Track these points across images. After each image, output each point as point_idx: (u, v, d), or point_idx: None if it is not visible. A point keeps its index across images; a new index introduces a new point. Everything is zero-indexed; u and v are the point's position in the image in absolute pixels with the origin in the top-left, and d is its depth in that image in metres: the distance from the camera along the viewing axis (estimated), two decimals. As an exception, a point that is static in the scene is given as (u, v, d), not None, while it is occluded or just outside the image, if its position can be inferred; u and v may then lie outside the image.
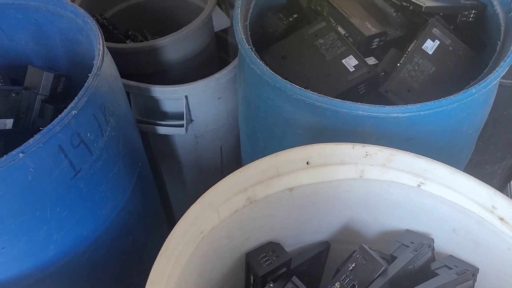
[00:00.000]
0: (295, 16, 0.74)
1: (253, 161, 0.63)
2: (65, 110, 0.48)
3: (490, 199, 0.43)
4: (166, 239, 0.39)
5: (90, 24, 0.58)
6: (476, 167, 1.00)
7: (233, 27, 0.59)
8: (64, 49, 0.68)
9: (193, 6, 0.95)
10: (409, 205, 0.49)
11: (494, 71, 0.51)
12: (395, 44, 0.67)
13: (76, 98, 0.49)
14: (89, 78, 0.51)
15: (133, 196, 0.67)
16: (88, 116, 0.51)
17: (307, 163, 0.48)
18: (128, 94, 0.75)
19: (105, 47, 0.56)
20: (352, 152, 0.47)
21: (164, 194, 0.98)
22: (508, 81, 0.80)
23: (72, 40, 0.66)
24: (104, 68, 0.55)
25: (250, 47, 0.56)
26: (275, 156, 0.47)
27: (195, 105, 0.77)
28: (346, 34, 0.66)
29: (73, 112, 0.48)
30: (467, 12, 0.66)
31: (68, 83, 0.65)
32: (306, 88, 0.58)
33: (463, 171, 0.71)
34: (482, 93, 0.52)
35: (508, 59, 0.52)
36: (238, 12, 0.61)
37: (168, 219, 0.97)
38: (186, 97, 0.75)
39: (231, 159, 0.94)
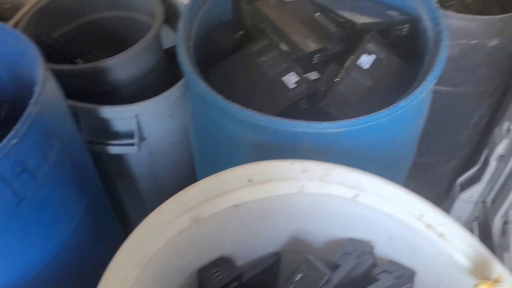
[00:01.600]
0: (241, 33, 0.76)
1: (206, 176, 0.64)
2: (5, 139, 0.48)
3: (418, 208, 0.45)
4: (108, 266, 0.40)
5: (31, 49, 0.58)
6: (424, 169, 1.04)
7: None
8: (8, 74, 0.68)
9: (144, 24, 0.95)
10: (349, 215, 0.52)
11: (421, 85, 0.55)
12: (336, 58, 0.70)
13: (16, 126, 0.49)
14: (29, 106, 0.51)
15: (85, 218, 0.67)
16: (30, 143, 0.51)
17: (250, 180, 0.49)
18: (77, 115, 0.75)
19: (47, 72, 0.56)
20: (292, 168, 0.49)
21: (122, 212, 0.98)
22: (445, 88, 0.85)
23: (15, 65, 0.66)
24: (47, 93, 0.55)
25: (192, 68, 0.58)
26: (217, 175, 0.48)
27: (147, 123, 0.78)
28: (289, 50, 0.68)
29: (13, 141, 0.48)
30: (400, 27, 0.69)
31: (12, 108, 0.64)
32: (249, 106, 0.60)
33: (406, 176, 0.75)
34: (412, 105, 0.55)
35: (434, 73, 0.56)
36: (181, 33, 0.62)
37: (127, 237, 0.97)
38: (136, 116, 0.75)
39: (188, 173, 0.94)
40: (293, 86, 0.61)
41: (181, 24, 0.63)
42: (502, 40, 0.75)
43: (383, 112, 0.52)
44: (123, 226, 0.92)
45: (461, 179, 1.06)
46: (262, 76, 0.64)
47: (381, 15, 0.71)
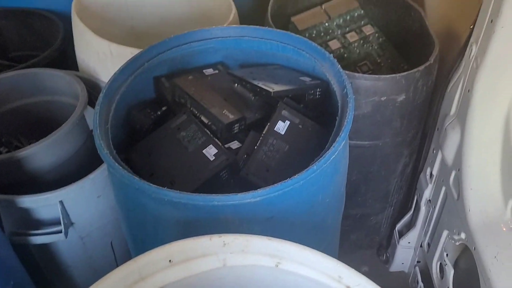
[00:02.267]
0: (163, 109, 0.78)
1: (137, 255, 0.63)
2: None
3: (335, 270, 0.46)
4: None
5: None
6: (362, 220, 1.07)
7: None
8: None
9: (70, 106, 0.95)
10: (275, 282, 0.52)
11: (332, 146, 0.58)
12: (256, 126, 0.73)
13: None
14: None
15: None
16: None
17: (170, 261, 0.49)
18: (-3, 207, 0.72)
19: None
20: (211, 244, 0.49)
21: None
22: (366, 142, 0.89)
23: None
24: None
25: (107, 152, 0.58)
26: (134, 261, 0.47)
27: (73, 208, 0.76)
28: (209, 123, 0.70)
29: None
30: (312, 91, 0.74)
31: None
32: (172, 181, 0.61)
33: (346, 227, 0.76)
34: (326, 166, 0.58)
35: (342, 134, 0.59)
36: (97, 117, 0.63)
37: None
38: (61, 202, 0.73)
39: (125, 251, 0.91)
40: (212, 159, 0.62)
41: (97, 108, 0.64)
42: (408, 94, 0.81)
43: (297, 177, 0.54)
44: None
45: (399, 225, 1.09)
46: (183, 151, 0.65)
47: (295, 81, 0.75)
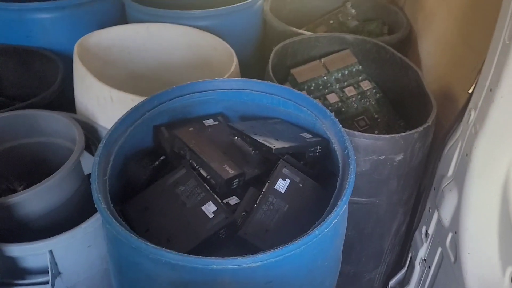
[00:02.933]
0: (162, 158, 0.77)
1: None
2: None
3: None
4: None
5: None
6: (355, 276, 1.05)
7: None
8: None
9: (66, 149, 0.94)
10: None
11: (334, 211, 0.57)
12: (255, 182, 0.72)
13: None
14: None
15: None
16: None
17: (165, 328, 0.47)
18: (-17, 255, 0.69)
19: None
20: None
21: None
22: (363, 199, 0.89)
23: None
24: None
25: (105, 206, 0.56)
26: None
27: (62, 258, 0.73)
28: (208, 177, 0.70)
29: None
30: (313, 149, 0.74)
31: None
32: (168, 239, 0.59)
33: (338, 284, 0.74)
34: (328, 229, 0.57)
35: (344, 198, 0.59)
36: (96, 168, 0.62)
37: None
38: (50, 251, 0.71)
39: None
40: (211, 216, 0.61)
41: (96, 159, 0.63)
42: (406, 155, 0.82)
43: (298, 241, 0.53)
44: None
45: (392, 282, 1.07)
46: (181, 207, 0.63)
47: (295, 138, 0.75)
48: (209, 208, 0.62)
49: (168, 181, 0.67)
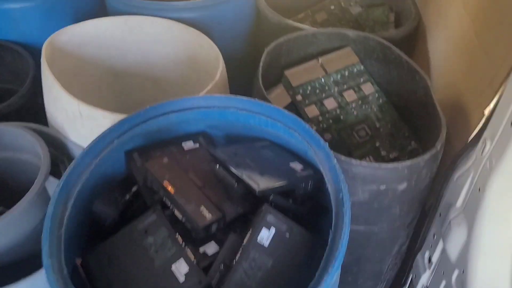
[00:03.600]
0: (134, 190, 0.69)
1: None
2: None
3: None
4: None
5: None
6: (351, 297, 0.98)
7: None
8: None
9: (33, 166, 0.85)
10: None
11: (322, 281, 0.49)
12: (238, 222, 0.64)
13: None
14: None
15: None
16: None
17: None
18: None
19: None
20: None
21: None
22: (361, 227, 0.80)
23: None
24: None
25: (56, 278, 0.48)
26: None
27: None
28: (183, 219, 0.61)
29: None
30: (303, 185, 0.65)
31: None
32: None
33: None
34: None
35: (336, 263, 0.50)
36: (49, 221, 0.53)
37: None
38: (8, 301, 0.63)
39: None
40: (182, 279, 0.53)
41: (50, 209, 0.54)
42: (410, 183, 0.73)
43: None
44: None
45: (391, 302, 1.01)
46: (149, 263, 0.55)
47: (284, 171, 0.66)
48: (180, 269, 0.54)
49: (136, 228, 0.59)
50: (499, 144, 0.62)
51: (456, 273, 0.74)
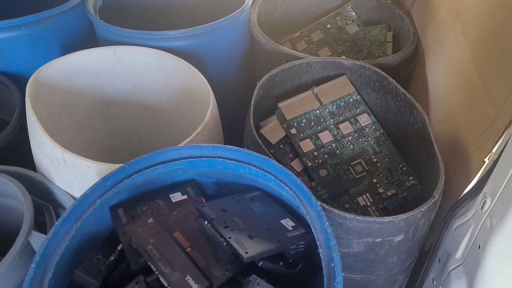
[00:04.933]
0: (119, 248, 0.66)
1: None
2: None
3: None
4: None
5: None
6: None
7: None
8: None
9: (19, 212, 0.83)
10: None
11: None
12: (227, 284, 0.61)
13: None
14: None
15: None
16: None
17: None
18: None
19: None
20: None
21: None
22: (357, 276, 0.77)
23: None
24: None
25: None
26: None
27: None
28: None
29: None
30: (294, 246, 0.62)
31: None
32: None
33: None
34: None
35: None
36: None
37: None
38: None
39: None
40: None
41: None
42: (407, 234, 0.70)
43: None
44: None
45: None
46: None
47: (274, 231, 0.63)
48: None
49: (119, 301, 0.56)
50: (500, 203, 0.58)
51: (456, 325, 0.71)
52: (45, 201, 0.81)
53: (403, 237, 0.70)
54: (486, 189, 0.63)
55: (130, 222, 0.64)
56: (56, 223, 0.59)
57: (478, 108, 0.78)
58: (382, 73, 0.94)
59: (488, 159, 0.68)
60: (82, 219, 0.62)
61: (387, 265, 0.75)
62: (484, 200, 0.62)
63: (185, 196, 0.71)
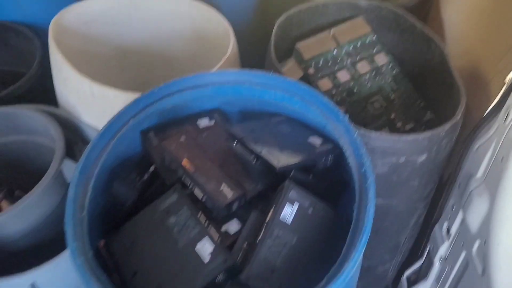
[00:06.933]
0: (151, 170, 0.68)
1: None
2: None
3: None
4: None
5: None
6: (368, 270, 0.99)
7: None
8: None
9: (48, 149, 0.84)
10: None
11: (350, 260, 0.48)
12: (258, 199, 0.63)
13: None
14: None
15: None
16: None
17: None
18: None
19: None
20: None
21: None
22: (379, 199, 0.79)
23: None
24: None
25: (82, 261, 0.48)
26: None
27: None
28: (204, 199, 0.60)
29: None
30: (323, 159, 0.64)
31: None
32: (158, 286, 0.51)
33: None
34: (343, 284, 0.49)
35: (362, 241, 0.50)
36: (71, 205, 0.53)
37: None
38: (32, 284, 0.64)
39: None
40: (208, 259, 0.53)
41: (71, 194, 0.54)
42: (430, 154, 0.72)
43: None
44: None
45: (408, 273, 1.01)
46: (172, 245, 0.55)
47: (303, 146, 0.65)
48: (205, 248, 0.53)
49: (158, 208, 0.58)
50: (524, 113, 0.60)
51: (477, 244, 0.73)
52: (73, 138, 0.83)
53: (425, 157, 0.72)
54: (509, 101, 0.64)
55: (162, 141, 0.66)
56: (94, 138, 0.60)
57: (495, 35, 0.79)
58: (399, 11, 0.95)
59: (509, 79, 0.70)
60: (117, 136, 0.63)
61: (408, 189, 0.77)
62: (507, 113, 0.64)
63: (213, 122, 0.73)
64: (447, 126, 0.69)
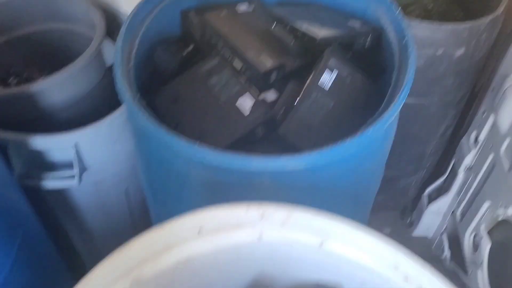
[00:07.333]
0: (190, 48, 0.69)
1: (157, 212, 0.57)
2: None
3: (392, 257, 0.40)
4: None
5: None
6: (391, 181, 1.00)
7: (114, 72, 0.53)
8: None
9: (84, 38, 0.86)
10: (314, 262, 0.46)
11: (389, 110, 0.49)
12: (295, 75, 0.64)
13: None
14: None
15: (18, 264, 0.58)
16: None
17: (199, 230, 0.43)
18: (5, 146, 0.66)
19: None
20: (248, 214, 0.43)
21: (71, 251, 0.88)
22: (410, 100, 0.80)
23: None
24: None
25: (131, 95, 0.50)
26: (161, 228, 0.41)
27: (88, 152, 0.69)
28: (243, 69, 0.62)
29: None
30: (363, 39, 0.64)
31: None
32: (200, 135, 0.54)
33: (374, 197, 0.70)
34: (382, 130, 0.50)
35: (402, 95, 0.51)
36: (119, 54, 0.55)
37: (77, 272, 0.88)
38: (75, 145, 0.67)
39: (140, 201, 0.86)
40: (249, 111, 0.54)
41: (119, 44, 0.56)
42: (468, 49, 0.71)
43: (348, 142, 0.47)
44: (73, 266, 0.83)
45: (429, 189, 1.02)
46: (214, 100, 0.57)
47: (342, 26, 0.66)
48: (246, 102, 0.55)
49: (200, 70, 0.60)
50: None
51: (506, 142, 0.74)
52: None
53: (463, 51, 0.71)
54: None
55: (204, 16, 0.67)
56: (139, 2, 0.61)
57: None
58: None
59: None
60: (160, 6, 0.64)
61: (442, 88, 0.77)
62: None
63: (251, 8, 0.73)
64: (487, 19, 0.69)
